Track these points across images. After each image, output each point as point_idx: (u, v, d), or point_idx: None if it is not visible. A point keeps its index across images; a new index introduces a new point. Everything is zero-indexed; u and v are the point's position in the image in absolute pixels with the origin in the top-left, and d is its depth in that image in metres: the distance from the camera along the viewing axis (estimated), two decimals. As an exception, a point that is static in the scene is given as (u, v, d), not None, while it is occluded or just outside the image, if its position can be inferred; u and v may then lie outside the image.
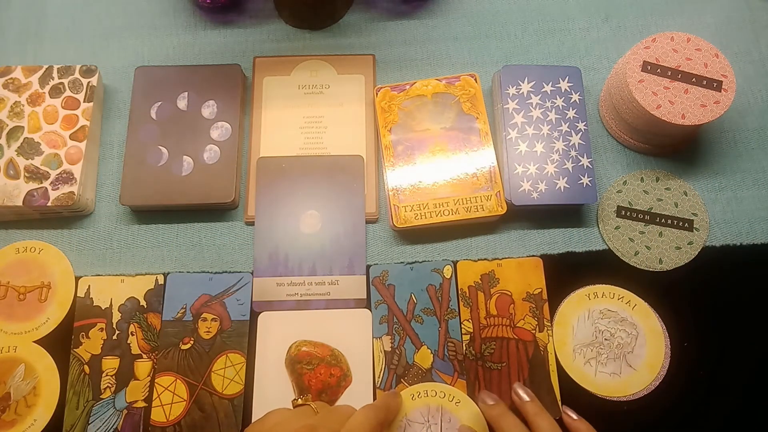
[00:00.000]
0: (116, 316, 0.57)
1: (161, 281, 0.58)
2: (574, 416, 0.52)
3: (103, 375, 0.55)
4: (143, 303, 0.57)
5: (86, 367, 0.55)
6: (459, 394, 0.54)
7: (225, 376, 0.55)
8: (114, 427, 0.54)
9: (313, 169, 0.61)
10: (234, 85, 0.63)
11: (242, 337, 0.56)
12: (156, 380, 0.55)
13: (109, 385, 0.55)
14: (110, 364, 0.56)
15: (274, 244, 0.59)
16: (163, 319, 0.57)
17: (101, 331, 0.56)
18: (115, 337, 0.56)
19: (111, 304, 0.57)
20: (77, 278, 0.58)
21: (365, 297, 0.58)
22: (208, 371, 0.55)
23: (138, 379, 0.55)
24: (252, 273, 0.59)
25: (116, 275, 0.59)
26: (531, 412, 0.51)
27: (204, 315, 0.57)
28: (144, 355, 0.56)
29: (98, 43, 0.68)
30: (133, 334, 0.56)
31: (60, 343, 0.56)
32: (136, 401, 0.55)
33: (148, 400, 0.55)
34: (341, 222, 0.60)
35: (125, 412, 0.54)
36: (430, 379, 0.55)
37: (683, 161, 0.64)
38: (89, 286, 0.58)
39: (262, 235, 0.59)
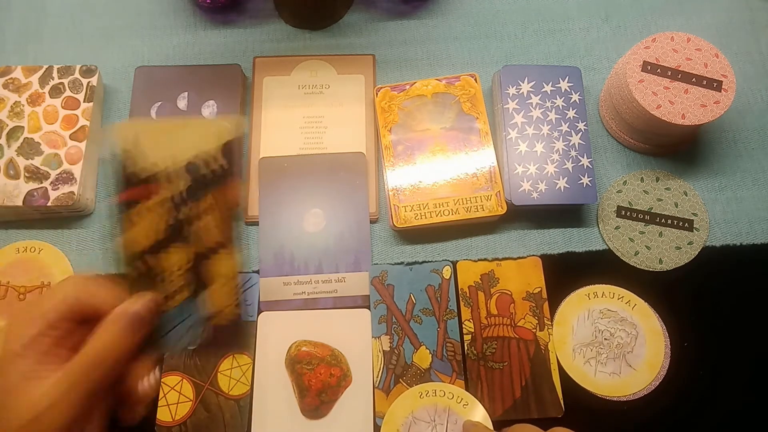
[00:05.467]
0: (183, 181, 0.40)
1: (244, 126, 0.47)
2: None
3: (170, 273, 0.40)
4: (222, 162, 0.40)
5: (141, 264, 0.39)
6: (468, 397, 0.54)
7: (231, 376, 0.55)
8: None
9: (316, 167, 0.61)
10: (234, 85, 0.63)
11: (249, 337, 0.56)
12: (162, 380, 0.55)
13: (180, 288, 0.40)
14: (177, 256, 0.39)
15: (279, 243, 0.59)
16: None
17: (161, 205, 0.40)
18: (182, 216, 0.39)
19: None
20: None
21: (369, 295, 0.58)
22: (215, 372, 0.55)
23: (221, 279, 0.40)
24: (258, 273, 0.59)
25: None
26: None
27: (211, 315, 0.57)
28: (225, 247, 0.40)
29: (98, 43, 0.68)
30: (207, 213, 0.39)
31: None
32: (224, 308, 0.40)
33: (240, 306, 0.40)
34: (345, 219, 0.60)
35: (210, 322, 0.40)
36: (428, 380, 0.55)
37: (683, 161, 0.64)
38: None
39: (267, 235, 0.59)
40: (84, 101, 0.62)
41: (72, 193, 0.58)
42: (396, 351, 0.56)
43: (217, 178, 0.39)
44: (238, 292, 0.40)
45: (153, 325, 0.38)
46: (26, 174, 0.59)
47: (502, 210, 0.59)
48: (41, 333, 0.34)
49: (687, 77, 0.58)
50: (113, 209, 0.38)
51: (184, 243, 0.39)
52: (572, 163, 0.60)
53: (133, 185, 0.38)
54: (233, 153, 0.39)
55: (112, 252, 0.38)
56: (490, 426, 0.52)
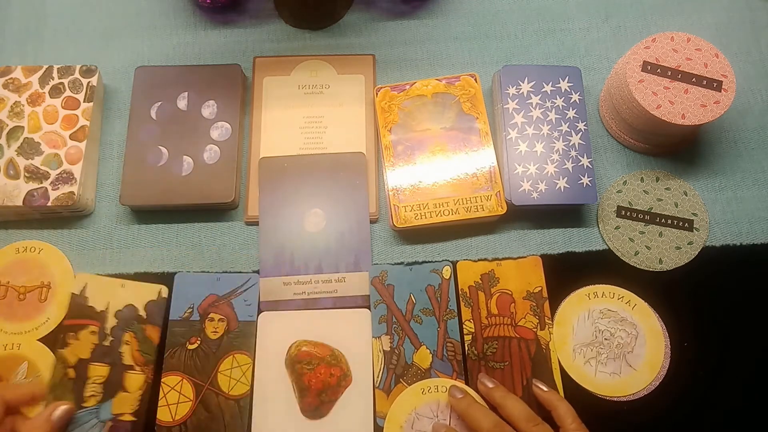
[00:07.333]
0: (111, 322, 0.56)
1: (164, 294, 0.57)
2: (545, 388, 0.53)
3: (89, 382, 0.54)
4: (142, 313, 0.56)
5: (71, 371, 0.54)
6: (469, 391, 0.53)
7: (231, 376, 0.55)
8: None
9: (316, 167, 0.61)
10: (234, 85, 0.63)
11: (249, 337, 0.56)
12: (162, 380, 0.55)
13: (95, 394, 0.54)
14: (98, 371, 0.54)
15: (280, 243, 0.59)
16: (170, 319, 0.57)
17: (93, 335, 0.55)
18: (107, 343, 0.55)
19: (107, 308, 0.56)
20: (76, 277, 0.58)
21: (368, 295, 0.58)
22: (215, 372, 0.55)
23: (127, 392, 0.54)
24: (258, 273, 0.59)
25: (116, 276, 0.58)
26: (498, 396, 0.52)
27: (211, 315, 0.57)
28: (137, 368, 0.55)
29: (98, 43, 0.68)
30: (127, 344, 0.55)
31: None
32: (123, 414, 0.53)
33: (138, 414, 0.53)
34: (345, 219, 0.60)
35: (110, 423, 0.53)
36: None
37: (683, 161, 0.64)
38: (86, 284, 0.57)
39: (267, 235, 0.59)
40: (84, 101, 0.62)
41: (72, 193, 0.58)
42: (396, 351, 0.56)
43: (138, 323, 0.56)
44: (139, 404, 0.54)
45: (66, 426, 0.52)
46: (26, 174, 0.59)
47: (502, 210, 0.59)
48: None
49: (687, 77, 0.58)
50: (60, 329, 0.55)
51: (105, 363, 0.55)
52: (572, 163, 0.60)
53: (83, 317, 0.56)
54: (154, 309, 0.57)
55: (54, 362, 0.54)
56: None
